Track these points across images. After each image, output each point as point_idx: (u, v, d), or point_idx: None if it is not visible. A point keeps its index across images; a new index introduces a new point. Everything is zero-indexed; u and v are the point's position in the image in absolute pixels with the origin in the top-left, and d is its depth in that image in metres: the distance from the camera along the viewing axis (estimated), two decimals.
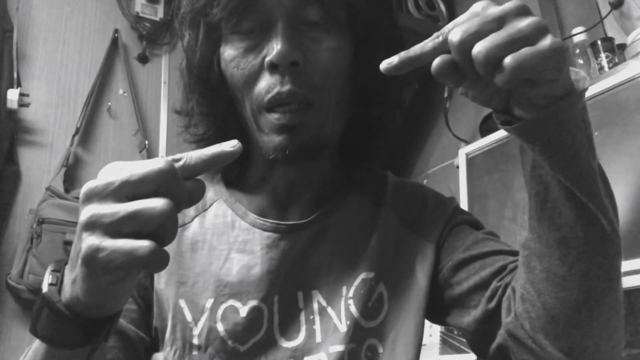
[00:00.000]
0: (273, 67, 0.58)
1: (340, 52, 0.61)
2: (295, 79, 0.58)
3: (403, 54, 0.44)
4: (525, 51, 0.39)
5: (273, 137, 0.60)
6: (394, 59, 0.45)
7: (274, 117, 0.59)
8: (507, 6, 0.42)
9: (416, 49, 0.44)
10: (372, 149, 0.71)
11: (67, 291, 0.42)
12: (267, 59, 0.58)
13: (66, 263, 0.44)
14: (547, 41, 0.40)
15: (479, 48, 0.40)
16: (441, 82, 0.45)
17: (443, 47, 0.43)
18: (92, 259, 0.38)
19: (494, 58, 0.40)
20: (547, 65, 0.40)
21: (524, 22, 0.41)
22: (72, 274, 0.41)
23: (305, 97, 0.59)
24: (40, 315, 0.43)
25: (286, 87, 0.58)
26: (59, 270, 0.44)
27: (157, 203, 0.38)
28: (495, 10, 0.42)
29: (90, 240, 0.38)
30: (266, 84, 0.59)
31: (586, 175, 0.46)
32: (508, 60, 0.39)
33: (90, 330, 0.43)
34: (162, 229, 0.38)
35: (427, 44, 0.44)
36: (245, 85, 0.61)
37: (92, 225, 0.38)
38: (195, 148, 0.67)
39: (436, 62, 0.43)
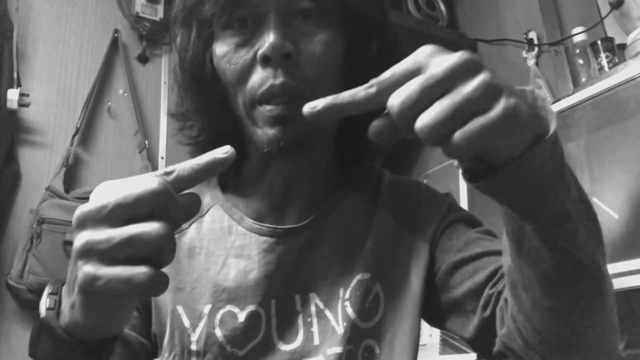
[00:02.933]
0: (265, 60, 0.58)
1: (333, 44, 0.61)
2: (288, 71, 0.58)
3: (330, 100, 0.39)
4: (475, 125, 0.34)
5: (267, 130, 0.59)
6: (318, 103, 0.39)
7: (266, 109, 0.59)
8: (452, 64, 0.36)
9: (345, 96, 0.39)
10: (368, 148, 0.70)
11: (66, 315, 0.41)
12: (260, 51, 0.58)
13: (63, 284, 0.43)
14: (499, 107, 0.35)
15: (422, 123, 0.35)
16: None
17: (376, 101, 0.38)
18: (89, 288, 0.36)
19: (440, 135, 0.35)
20: (500, 133, 0.35)
21: (471, 86, 0.35)
22: (70, 299, 0.40)
23: (298, 90, 0.59)
24: (39, 340, 0.42)
25: (279, 80, 0.58)
26: (55, 293, 0.43)
27: (153, 227, 0.36)
28: (439, 69, 0.36)
29: (87, 269, 0.36)
30: (259, 77, 0.59)
31: (560, 220, 0.43)
32: (457, 137, 0.34)
33: (91, 353, 0.42)
34: (160, 253, 0.36)
35: (359, 93, 0.38)
36: (237, 80, 0.61)
37: (87, 253, 0.37)
38: (191, 150, 0.67)
39: (374, 126, 0.39)
